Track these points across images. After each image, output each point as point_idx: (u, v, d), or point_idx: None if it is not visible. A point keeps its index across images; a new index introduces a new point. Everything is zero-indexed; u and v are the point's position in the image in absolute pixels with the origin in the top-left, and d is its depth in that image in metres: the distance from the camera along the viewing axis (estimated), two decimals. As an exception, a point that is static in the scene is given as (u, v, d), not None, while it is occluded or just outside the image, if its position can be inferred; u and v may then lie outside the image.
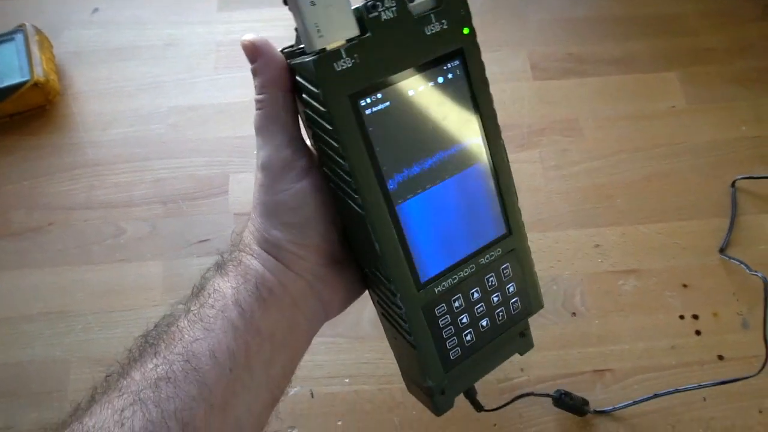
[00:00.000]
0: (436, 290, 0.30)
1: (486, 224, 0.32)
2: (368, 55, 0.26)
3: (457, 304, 0.31)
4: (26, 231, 0.55)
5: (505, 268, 0.33)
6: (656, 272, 0.52)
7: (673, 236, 0.54)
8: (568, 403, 0.45)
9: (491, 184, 0.31)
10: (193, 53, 0.65)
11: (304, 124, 0.30)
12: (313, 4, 0.25)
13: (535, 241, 0.54)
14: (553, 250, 0.53)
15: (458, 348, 0.32)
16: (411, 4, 0.27)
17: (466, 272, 0.31)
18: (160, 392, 0.26)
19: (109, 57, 0.65)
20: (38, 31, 0.62)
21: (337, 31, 0.26)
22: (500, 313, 0.33)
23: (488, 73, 0.30)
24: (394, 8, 0.27)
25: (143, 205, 0.56)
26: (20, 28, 0.61)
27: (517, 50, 0.64)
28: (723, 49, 0.65)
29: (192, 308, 0.29)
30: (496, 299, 0.33)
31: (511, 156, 0.57)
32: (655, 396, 0.45)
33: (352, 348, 0.49)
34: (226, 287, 0.29)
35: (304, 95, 0.28)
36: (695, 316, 0.50)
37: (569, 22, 0.67)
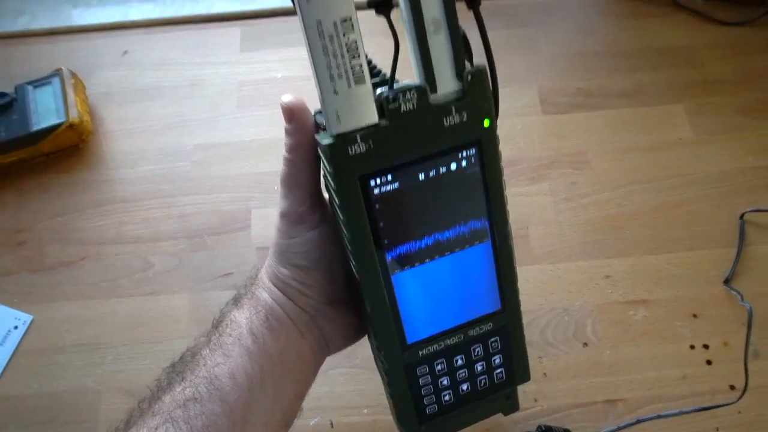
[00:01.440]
0: (420, 353, 0.32)
1: (480, 299, 0.33)
2: (383, 142, 0.27)
3: (439, 367, 0.33)
4: (60, 265, 0.58)
5: (494, 341, 0.34)
6: (666, 302, 0.54)
7: (683, 266, 0.55)
8: None
9: (491, 263, 0.32)
10: (217, 92, 0.68)
11: (324, 183, 0.32)
12: (335, 93, 0.26)
13: (546, 272, 0.55)
14: (564, 281, 0.55)
15: (435, 405, 0.34)
16: (433, 95, 0.28)
17: (452, 340, 0.33)
18: (188, 411, 0.29)
19: (138, 97, 0.68)
20: (73, 75, 0.66)
21: (356, 119, 0.27)
22: (482, 381, 0.35)
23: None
24: (414, 100, 0.27)
25: (170, 239, 0.59)
26: (57, 73, 0.65)
27: (527, 85, 0.67)
28: (730, 81, 0.66)
29: (212, 338, 0.33)
30: (480, 368, 0.34)
31: (522, 189, 0.59)
32: (658, 417, 0.46)
33: (370, 379, 0.50)
34: (241, 318, 0.33)
35: (322, 164, 0.30)
36: (706, 346, 0.51)
37: (578, 56, 0.69)
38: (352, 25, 0.25)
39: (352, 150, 0.27)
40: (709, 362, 0.51)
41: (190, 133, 0.65)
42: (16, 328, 0.55)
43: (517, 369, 0.36)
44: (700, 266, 0.55)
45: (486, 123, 0.29)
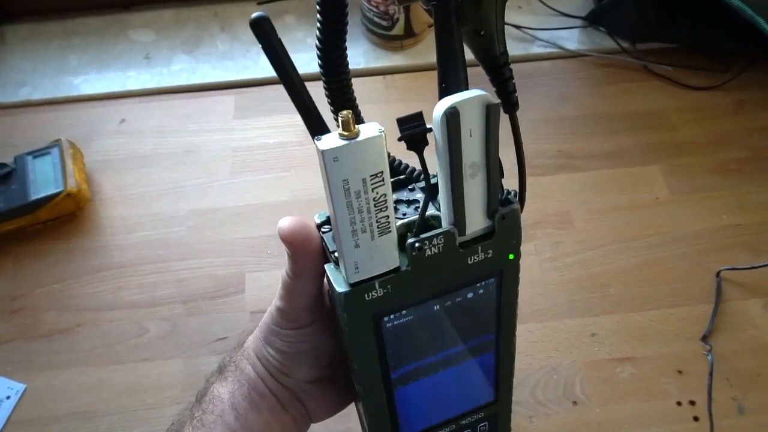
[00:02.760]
0: None
1: (476, 393, 0.34)
2: (402, 286, 0.26)
3: None
4: (56, 333, 0.59)
5: (483, 426, 0.35)
6: (651, 359, 0.55)
7: (665, 323, 0.57)
8: None
9: (492, 367, 0.33)
10: (211, 159, 0.71)
11: (328, 295, 0.32)
12: (357, 246, 0.24)
13: (534, 331, 0.57)
14: (551, 340, 0.56)
15: None
16: (460, 238, 0.26)
17: (445, 430, 0.34)
18: None
19: (134, 164, 0.71)
20: (72, 145, 0.68)
21: (376, 267, 0.25)
22: None
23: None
24: (441, 245, 0.26)
25: (165, 304, 0.60)
26: (56, 143, 0.67)
27: (509, 148, 0.69)
28: (701, 142, 0.70)
29: (195, 414, 0.33)
30: None
31: (508, 250, 0.61)
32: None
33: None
34: (224, 392, 0.33)
35: (330, 296, 0.28)
36: (692, 402, 0.53)
37: (558, 120, 0.73)
38: (383, 179, 0.23)
39: (368, 296, 0.26)
40: (696, 418, 0.52)
41: (185, 198, 0.67)
42: (8, 397, 0.55)
43: None
44: (682, 323, 0.57)
45: (511, 256, 0.28)
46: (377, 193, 0.23)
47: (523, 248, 0.64)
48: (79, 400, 0.55)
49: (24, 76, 0.78)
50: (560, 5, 0.82)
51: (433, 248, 0.25)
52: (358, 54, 0.78)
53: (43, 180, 0.64)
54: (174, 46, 0.81)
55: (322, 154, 0.22)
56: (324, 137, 0.22)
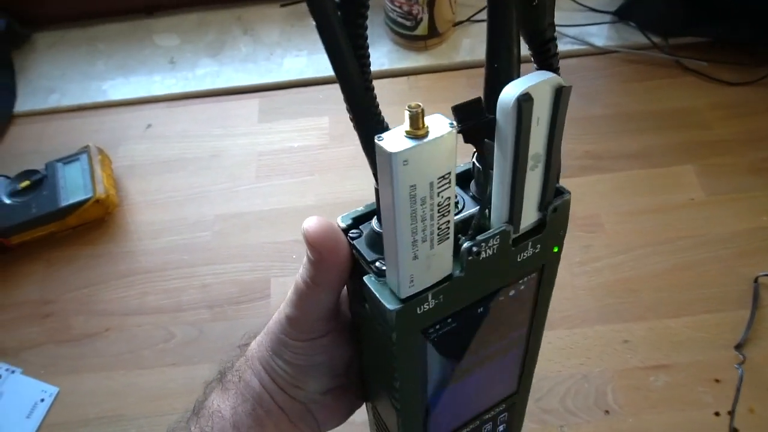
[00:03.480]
0: None
1: (502, 388, 0.33)
2: (454, 294, 0.24)
3: None
4: (84, 336, 0.60)
5: (503, 416, 0.34)
6: (686, 367, 0.53)
7: (701, 330, 0.55)
8: None
9: (519, 361, 0.32)
10: (236, 163, 0.71)
11: (349, 295, 0.29)
12: (415, 258, 0.22)
13: (563, 338, 0.56)
14: (582, 347, 0.55)
15: None
16: (514, 236, 0.24)
17: (470, 427, 0.33)
18: None
19: (160, 169, 0.71)
20: (100, 151, 0.69)
21: (431, 277, 0.23)
22: None
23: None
24: (497, 246, 0.23)
25: (191, 310, 0.60)
26: (85, 149, 0.68)
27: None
28: (737, 141, 0.67)
29: (192, 429, 0.30)
30: None
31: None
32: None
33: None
34: (225, 407, 0.30)
35: (367, 310, 0.25)
36: (731, 413, 0.51)
37: (584, 120, 0.71)
38: (450, 181, 0.21)
39: (420, 309, 0.23)
40: (735, 430, 0.50)
41: (210, 203, 0.68)
42: (42, 400, 0.56)
43: (516, 426, 0.37)
44: (718, 329, 0.55)
45: (555, 249, 0.26)
46: (442, 197, 0.21)
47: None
48: (107, 404, 0.55)
49: (53, 83, 0.80)
50: (588, 0, 0.80)
51: (488, 250, 0.23)
52: (382, 55, 0.78)
53: (73, 186, 0.65)
54: (198, 50, 0.81)
55: (390, 157, 0.19)
56: (386, 136, 0.19)
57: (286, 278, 0.61)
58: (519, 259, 0.25)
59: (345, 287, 0.28)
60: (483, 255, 0.23)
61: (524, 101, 0.20)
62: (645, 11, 0.76)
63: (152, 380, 0.57)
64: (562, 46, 0.77)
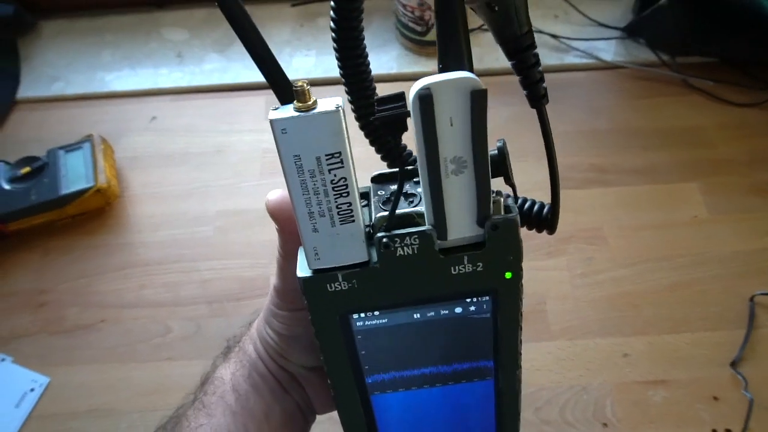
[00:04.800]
0: None
1: (476, 426, 0.31)
2: (371, 283, 0.24)
3: None
4: (79, 328, 0.59)
5: None
6: (685, 383, 0.53)
7: (700, 347, 0.55)
8: None
9: (490, 401, 0.30)
10: (240, 160, 0.70)
11: None
12: (315, 231, 0.23)
13: (564, 348, 0.55)
14: (582, 359, 0.55)
15: None
16: (440, 242, 0.24)
17: None
18: None
19: (163, 162, 0.71)
20: (103, 140, 0.68)
21: (339, 257, 0.24)
22: None
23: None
24: (416, 246, 0.23)
25: (189, 305, 0.60)
26: (88, 138, 0.67)
27: (542, 161, 0.68)
28: (741, 162, 0.68)
29: (198, 396, 0.33)
30: None
31: (539, 264, 0.60)
32: None
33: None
34: (226, 373, 0.33)
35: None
36: (728, 431, 0.51)
37: (590, 133, 0.71)
38: (342, 161, 0.21)
39: (331, 287, 0.24)
40: (731, 447, 0.50)
41: (212, 199, 0.67)
42: (32, 390, 0.55)
43: None
44: (717, 347, 0.55)
45: (508, 275, 0.25)
46: (335, 175, 0.22)
47: (554, 263, 0.62)
48: (99, 397, 0.54)
49: (57, 72, 0.79)
50: (598, 15, 0.81)
51: (405, 248, 0.23)
52: (391, 59, 0.78)
53: (74, 175, 0.64)
54: (206, 45, 0.81)
55: (271, 123, 0.21)
56: (281, 107, 0.21)
57: (287, 277, 0.61)
58: (454, 272, 0.24)
59: None
60: (399, 252, 0.23)
61: (423, 96, 0.20)
62: (654, 28, 0.76)
63: (146, 375, 0.56)
64: (571, 59, 0.77)
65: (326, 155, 0.21)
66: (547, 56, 0.76)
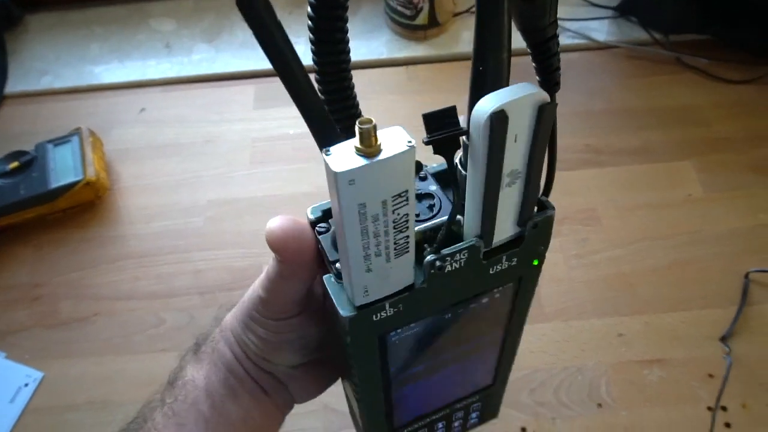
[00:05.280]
0: (405, 430, 0.32)
1: (475, 381, 0.33)
2: (416, 304, 0.23)
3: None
4: (73, 321, 0.59)
5: (476, 405, 0.34)
6: (681, 362, 0.53)
7: (696, 325, 0.55)
8: None
9: (495, 359, 0.31)
10: (231, 149, 0.70)
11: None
12: (369, 271, 0.21)
13: (559, 330, 0.55)
14: (576, 340, 0.55)
15: None
16: (485, 250, 0.23)
17: (440, 414, 0.32)
18: None
19: (154, 154, 0.70)
20: (92, 133, 0.68)
21: (388, 288, 0.22)
22: (457, 428, 0.35)
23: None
24: (464, 261, 0.22)
25: (183, 295, 0.59)
26: (76, 131, 0.66)
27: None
28: (737, 139, 0.67)
29: (167, 400, 0.30)
30: (457, 425, 0.34)
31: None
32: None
33: None
34: (198, 376, 0.30)
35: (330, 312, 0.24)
36: (724, 408, 0.51)
37: (586, 114, 0.70)
38: (407, 198, 0.19)
39: (376, 317, 0.23)
40: (728, 425, 0.50)
41: (204, 189, 0.67)
42: (26, 385, 0.55)
43: (491, 411, 0.36)
44: (713, 325, 0.54)
45: (535, 262, 0.25)
46: (398, 214, 0.19)
47: (549, 244, 0.62)
48: (94, 389, 0.54)
49: (46, 65, 0.78)
50: (590, -5, 0.80)
51: (454, 264, 0.22)
52: (381, 44, 0.77)
53: (63, 168, 0.64)
54: (194, 35, 0.80)
55: (335, 176, 0.17)
56: (335, 150, 0.18)
57: (280, 266, 0.60)
58: (492, 272, 0.24)
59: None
60: (448, 268, 0.22)
61: (497, 119, 0.18)
62: (646, 7, 0.76)
63: (142, 366, 0.56)
64: (564, 40, 0.76)
65: (393, 197, 0.19)
66: (539, 37, 0.75)
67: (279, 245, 0.24)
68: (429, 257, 0.22)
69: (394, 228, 0.20)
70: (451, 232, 0.22)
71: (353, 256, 0.20)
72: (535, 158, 0.21)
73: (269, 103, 0.74)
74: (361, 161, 0.17)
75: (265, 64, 0.76)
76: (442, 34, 0.77)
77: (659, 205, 0.63)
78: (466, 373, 0.31)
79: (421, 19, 0.74)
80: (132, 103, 0.75)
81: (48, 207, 0.63)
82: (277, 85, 0.77)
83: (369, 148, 0.17)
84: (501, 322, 0.28)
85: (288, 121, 0.72)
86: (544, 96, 0.19)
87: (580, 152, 0.67)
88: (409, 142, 0.18)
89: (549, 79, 0.23)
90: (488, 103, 0.18)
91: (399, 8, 0.74)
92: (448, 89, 0.71)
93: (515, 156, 0.20)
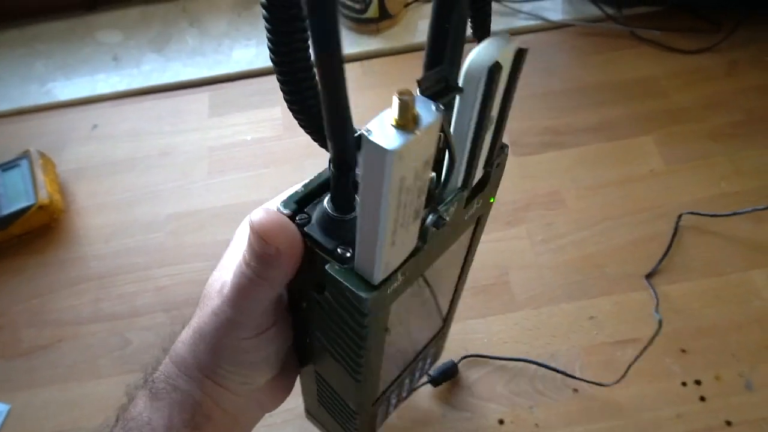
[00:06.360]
0: (384, 396, 0.34)
1: (433, 328, 0.35)
2: (417, 264, 0.24)
3: (392, 396, 0.35)
4: (36, 349, 0.57)
5: (432, 350, 0.37)
6: (652, 339, 0.53)
7: (666, 300, 0.55)
8: None
9: (449, 301, 0.33)
10: (187, 160, 0.68)
11: (288, 286, 0.27)
12: (393, 244, 0.21)
13: (530, 318, 0.55)
14: (548, 326, 0.54)
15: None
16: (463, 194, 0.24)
17: (410, 368, 0.34)
18: None
19: (109, 170, 0.68)
20: (42, 155, 0.65)
21: (399, 257, 0.22)
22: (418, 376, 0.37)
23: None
24: (453, 210, 0.24)
25: (147, 314, 0.58)
26: (25, 155, 0.64)
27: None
28: (695, 108, 0.67)
29: None
30: (417, 375, 0.37)
31: (499, 234, 0.59)
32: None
33: None
34: (156, 418, 0.28)
35: (326, 297, 0.24)
36: (698, 382, 0.50)
37: (543, 95, 0.70)
38: (430, 162, 0.20)
39: (390, 289, 0.23)
40: (702, 398, 0.50)
41: (162, 202, 0.65)
42: (-8, 420, 0.53)
43: (438, 354, 0.39)
44: (682, 299, 0.54)
45: (492, 200, 0.27)
46: (423, 180, 0.20)
47: (514, 232, 0.62)
48: (63, 416, 0.53)
49: (-10, 87, 0.76)
50: (541, -25, 0.79)
51: (448, 217, 0.23)
52: (334, 40, 0.75)
53: (14, 193, 0.62)
54: (142, 46, 0.78)
55: (386, 155, 0.17)
56: (374, 127, 0.17)
57: (244, 275, 0.59)
58: (466, 217, 0.26)
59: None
60: (443, 224, 0.23)
61: (496, 70, 0.19)
62: (597, -18, 0.75)
63: (110, 389, 0.54)
64: (518, 22, 0.76)
65: (423, 163, 0.19)
66: (495, 23, 0.73)
67: (271, 236, 0.22)
68: (431, 217, 0.22)
69: (418, 195, 0.20)
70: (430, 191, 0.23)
71: (385, 231, 0.20)
72: (508, 102, 0.22)
73: (224, 110, 0.72)
74: (407, 136, 0.17)
75: (218, 70, 0.75)
76: (395, 26, 0.76)
77: (622, 182, 0.62)
78: (427, 321, 0.33)
79: (371, 12, 0.73)
80: (83, 120, 0.73)
81: (1, 234, 0.61)
82: (231, 90, 0.76)
83: (406, 121, 0.17)
84: (459, 264, 0.30)
85: (244, 126, 0.70)
86: (518, 44, 0.20)
87: (540, 135, 0.66)
88: (437, 106, 0.18)
89: (485, 27, 0.24)
90: (482, 57, 0.19)
91: (348, 2, 0.73)
92: (406, 81, 0.70)
93: (496, 103, 0.21)
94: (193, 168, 0.67)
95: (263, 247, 0.23)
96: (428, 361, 0.37)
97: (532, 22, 0.76)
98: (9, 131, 0.72)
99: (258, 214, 0.23)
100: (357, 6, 0.73)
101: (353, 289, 0.22)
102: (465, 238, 0.28)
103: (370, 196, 0.19)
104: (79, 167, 0.69)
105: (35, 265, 0.62)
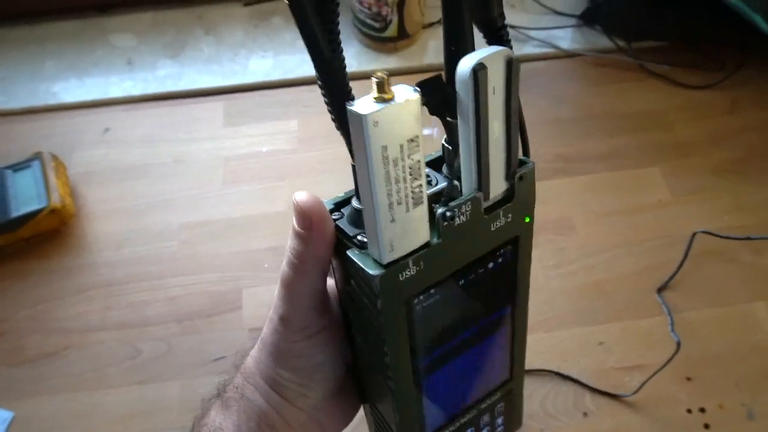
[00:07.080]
0: None
1: (494, 374, 0.34)
2: (434, 261, 0.25)
3: None
4: (42, 357, 0.56)
5: (500, 407, 0.35)
6: (660, 366, 0.54)
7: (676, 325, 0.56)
8: None
9: (508, 343, 0.32)
10: (202, 169, 0.68)
11: (336, 283, 0.30)
12: (393, 221, 0.23)
13: (541, 341, 0.56)
14: (558, 350, 0.55)
15: None
16: (484, 203, 0.25)
17: (466, 417, 0.33)
18: None
19: (120, 176, 0.68)
20: (54, 157, 0.65)
21: (410, 243, 0.24)
22: None
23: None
24: (469, 212, 0.25)
25: (158, 324, 0.58)
26: (37, 156, 0.64)
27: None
28: (699, 142, 0.69)
29: None
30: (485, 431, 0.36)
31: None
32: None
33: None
34: (227, 425, 0.30)
35: (353, 286, 0.26)
36: (702, 410, 0.52)
37: (554, 123, 0.72)
38: (418, 144, 0.22)
39: (402, 276, 0.24)
40: (706, 426, 0.51)
41: (175, 211, 0.65)
42: (-5, 428, 0.52)
43: (515, 421, 0.37)
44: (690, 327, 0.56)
45: (527, 219, 0.28)
46: (413, 159, 0.22)
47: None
48: (69, 428, 0.52)
49: (-1, 85, 0.75)
50: (554, 3, 0.81)
51: (462, 216, 0.25)
52: (350, 56, 0.76)
53: (25, 195, 0.61)
54: (156, 51, 0.78)
55: (362, 119, 0.20)
56: (357, 102, 0.21)
57: (258, 288, 0.59)
58: (493, 229, 0.26)
59: (331, 280, 0.29)
60: (457, 221, 0.25)
61: (479, 69, 0.22)
62: (609, 15, 0.77)
63: (119, 400, 0.54)
64: (530, 49, 0.77)
65: (408, 140, 0.22)
66: (506, 46, 0.76)
67: (308, 208, 0.25)
68: (440, 209, 0.24)
69: (410, 174, 0.22)
70: (453, 195, 0.26)
71: (380, 203, 0.22)
72: (512, 109, 0.24)
73: (239, 120, 0.72)
74: (381, 105, 0.20)
75: (233, 80, 0.75)
76: (412, 45, 0.77)
77: (630, 211, 0.64)
78: (485, 361, 0.32)
79: (391, 31, 0.74)
80: (94, 123, 0.72)
81: (9, 237, 0.60)
82: (246, 101, 0.76)
83: (385, 95, 0.21)
84: (508, 293, 0.30)
85: (259, 138, 0.70)
86: (510, 52, 0.23)
87: (551, 161, 0.68)
88: (415, 89, 0.21)
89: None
90: (469, 60, 0.22)
91: (368, 21, 0.74)
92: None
93: (495, 108, 0.23)
94: (208, 177, 0.67)
95: (301, 219, 0.26)
96: (498, 421, 0.36)
97: (544, 50, 0.77)
98: (17, 131, 0.71)
99: (300, 193, 0.26)
100: (377, 25, 0.74)
101: (364, 267, 0.24)
102: (506, 262, 0.29)
103: (360, 165, 0.22)
104: (88, 171, 0.68)
105: (43, 270, 0.61)
